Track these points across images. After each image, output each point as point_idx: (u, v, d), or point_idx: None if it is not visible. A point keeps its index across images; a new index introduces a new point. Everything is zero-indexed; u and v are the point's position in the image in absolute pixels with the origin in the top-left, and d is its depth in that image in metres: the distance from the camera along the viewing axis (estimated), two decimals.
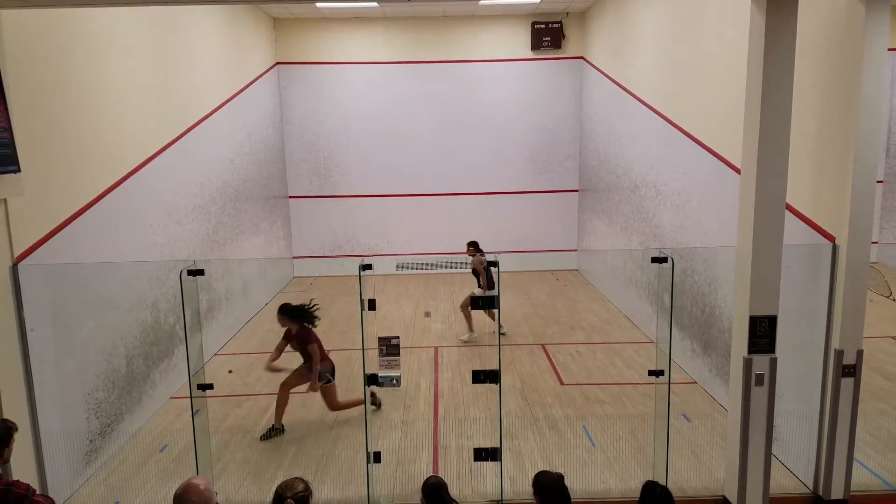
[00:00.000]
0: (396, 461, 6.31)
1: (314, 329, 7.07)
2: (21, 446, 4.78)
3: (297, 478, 3.37)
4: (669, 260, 5.27)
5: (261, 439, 6.83)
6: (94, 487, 5.99)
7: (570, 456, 6.34)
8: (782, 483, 5.71)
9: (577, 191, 14.65)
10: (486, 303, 5.82)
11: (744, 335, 5.18)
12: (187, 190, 8.96)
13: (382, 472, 6.02)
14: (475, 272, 9.66)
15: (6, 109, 4.86)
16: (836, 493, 5.39)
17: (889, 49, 5.08)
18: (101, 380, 6.43)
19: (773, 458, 5.43)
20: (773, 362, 5.17)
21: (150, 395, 7.46)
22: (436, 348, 9.66)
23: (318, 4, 12.35)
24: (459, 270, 14.39)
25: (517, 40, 14.12)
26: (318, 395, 7.24)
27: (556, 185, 14.69)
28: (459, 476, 5.99)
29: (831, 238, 5.33)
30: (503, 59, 14.21)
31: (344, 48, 14.03)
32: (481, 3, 12.66)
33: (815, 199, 5.60)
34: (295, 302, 7.14)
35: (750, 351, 5.16)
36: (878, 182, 5.25)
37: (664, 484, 3.93)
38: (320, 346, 6.98)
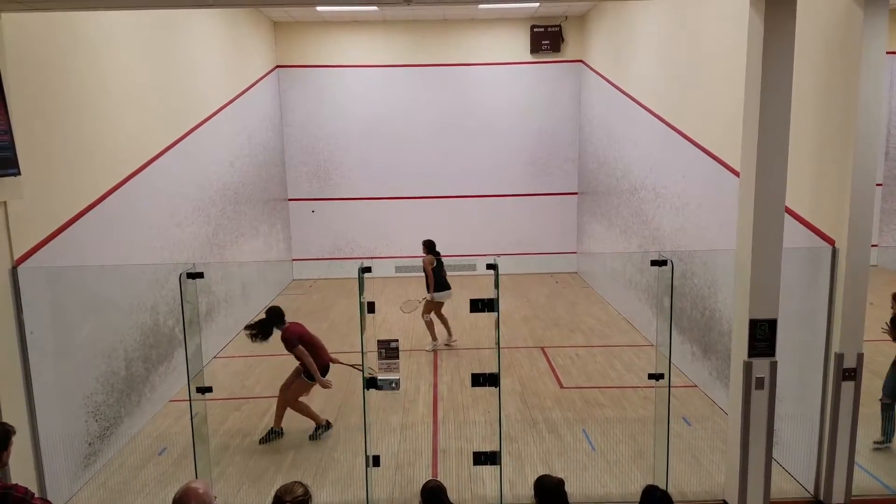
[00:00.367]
0: (395, 465, 6.30)
1: (293, 328, 6.82)
2: (20, 449, 4.77)
3: (296, 482, 3.36)
4: (669, 263, 5.26)
5: (259, 442, 6.82)
6: (93, 491, 5.97)
7: (569, 460, 6.33)
8: (783, 487, 5.70)
9: (576, 193, 14.66)
10: (486, 305, 5.79)
11: (744, 338, 5.18)
12: (187, 192, 8.96)
13: (381, 476, 6.01)
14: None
15: (6, 112, 4.85)
16: (837, 496, 5.37)
17: (887, 52, 5.08)
18: (100, 382, 6.42)
19: (773, 462, 5.42)
20: (774, 366, 5.16)
21: (150, 398, 7.45)
22: (435, 351, 9.64)
23: (319, 8, 12.38)
24: (460, 273, 14.38)
25: (516, 44, 14.14)
26: (317, 392, 7.23)
27: (555, 187, 14.70)
28: (459, 480, 5.98)
29: (831, 241, 5.33)
30: (502, 63, 14.23)
31: (344, 51, 14.05)
32: (480, 6, 12.67)
33: (814, 202, 5.60)
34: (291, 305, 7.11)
35: (750, 354, 5.16)
36: (877, 185, 5.25)
37: (664, 488, 3.93)
38: (313, 345, 6.87)
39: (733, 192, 5.91)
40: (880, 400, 6.17)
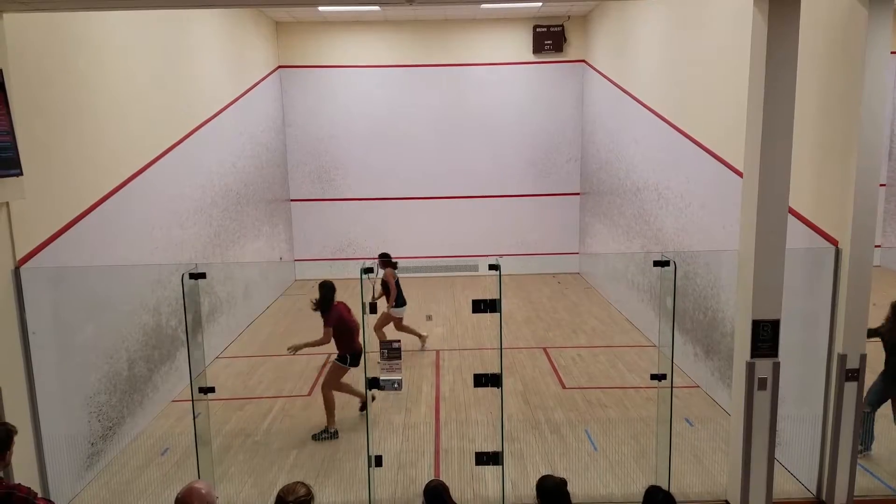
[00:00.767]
0: (398, 465, 6.30)
1: (337, 307, 7.11)
2: (22, 449, 4.78)
3: (298, 482, 3.37)
4: (671, 263, 5.26)
5: (312, 438, 6.87)
6: (96, 491, 5.98)
7: (572, 460, 6.32)
8: (785, 487, 5.69)
9: (578, 194, 14.64)
10: (488, 306, 5.79)
11: (746, 339, 5.17)
12: (189, 193, 8.97)
13: (384, 476, 6.01)
14: (385, 286, 9.09)
15: (8, 113, 4.86)
16: (840, 497, 5.36)
17: (891, 52, 5.07)
18: (102, 383, 6.43)
19: (776, 463, 5.41)
20: (776, 366, 5.15)
21: (152, 399, 7.45)
22: (437, 352, 9.64)
23: (321, 8, 12.38)
24: (461, 274, 14.40)
25: (519, 44, 14.13)
26: (318, 400, 7.24)
27: (557, 188, 14.69)
28: (461, 480, 5.98)
29: (834, 241, 5.32)
30: (505, 63, 14.22)
31: (346, 51, 14.06)
32: (483, 6, 12.67)
33: (817, 202, 5.59)
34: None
35: (753, 355, 5.15)
36: (880, 185, 5.24)
37: (667, 488, 3.92)
38: (349, 329, 7.06)
39: (736, 192, 5.91)
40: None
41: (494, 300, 5.07)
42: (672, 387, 5.41)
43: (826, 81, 5.41)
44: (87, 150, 6.35)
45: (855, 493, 5.40)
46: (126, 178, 7.11)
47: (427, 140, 14.43)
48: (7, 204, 5.09)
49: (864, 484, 5.61)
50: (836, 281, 5.28)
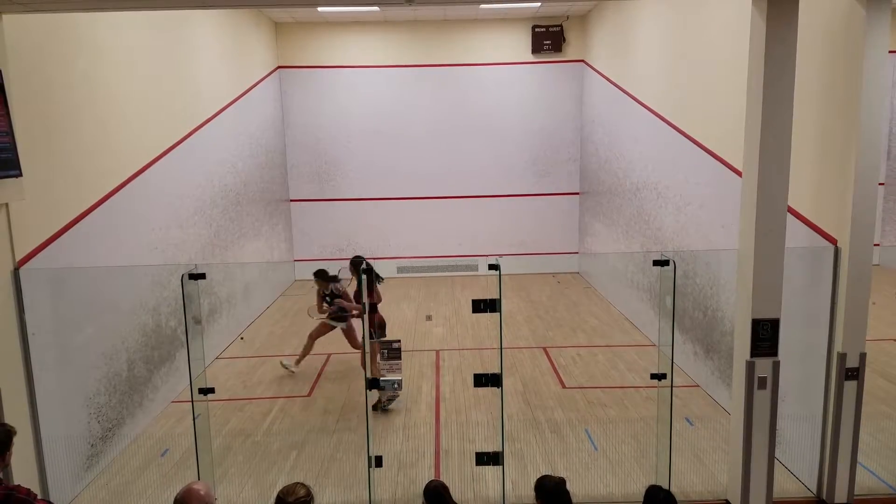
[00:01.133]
0: (398, 465, 6.30)
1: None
2: (22, 450, 4.78)
3: (298, 483, 3.36)
4: (671, 263, 5.26)
5: (372, 408, 7.09)
6: (96, 492, 5.98)
7: (572, 460, 6.32)
8: (786, 487, 5.69)
9: (577, 193, 14.65)
10: (488, 306, 5.78)
11: (746, 338, 5.17)
12: (189, 193, 8.97)
13: (384, 477, 6.01)
14: (329, 299, 8.45)
15: (8, 113, 4.86)
16: (840, 496, 5.36)
17: (890, 51, 5.07)
18: (102, 384, 6.43)
19: (776, 462, 5.41)
20: (776, 365, 5.15)
21: (152, 399, 7.45)
22: (437, 352, 9.64)
23: (320, 9, 12.38)
24: (461, 273, 14.40)
25: (518, 44, 14.13)
26: (318, 392, 7.23)
27: (556, 187, 14.69)
28: (461, 480, 5.97)
29: (833, 240, 5.32)
30: (504, 63, 14.22)
31: (345, 52, 14.06)
32: (482, 6, 12.67)
33: (816, 201, 5.59)
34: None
35: (752, 354, 5.15)
36: (879, 184, 5.24)
37: (667, 488, 3.92)
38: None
39: (735, 191, 5.91)
40: None
41: (494, 300, 5.07)
42: (672, 386, 5.41)
43: (825, 80, 5.41)
44: (86, 151, 6.34)
45: (855, 492, 5.40)
46: (126, 178, 7.11)
47: (426, 140, 14.43)
48: (6, 205, 5.08)
49: (865, 483, 5.61)
50: (835, 280, 5.28)
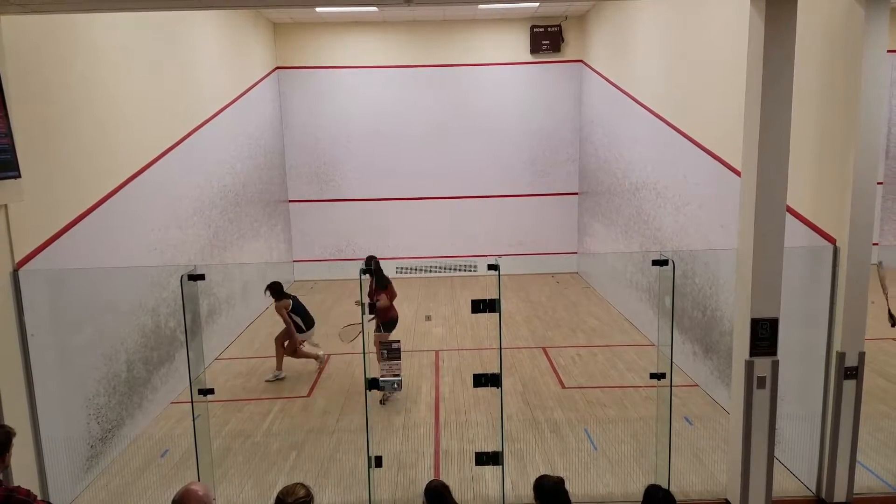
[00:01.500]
0: (398, 465, 6.30)
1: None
2: (22, 452, 4.77)
3: (298, 483, 3.36)
4: (670, 262, 5.26)
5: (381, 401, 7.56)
6: (95, 493, 5.98)
7: (571, 459, 6.33)
8: (785, 486, 5.70)
9: (576, 193, 14.65)
10: (488, 306, 5.78)
11: (745, 338, 5.17)
12: (188, 194, 8.96)
13: (383, 477, 6.01)
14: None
15: (6, 115, 4.86)
16: (839, 495, 5.37)
17: (889, 51, 5.07)
18: (101, 385, 6.42)
19: (775, 461, 5.41)
20: (775, 365, 5.16)
21: (151, 400, 7.45)
22: (437, 352, 9.64)
23: (318, 9, 12.38)
24: (461, 274, 14.39)
25: (516, 44, 14.14)
26: (317, 392, 7.22)
27: (555, 187, 14.70)
28: (461, 480, 5.97)
29: (832, 240, 5.33)
30: (502, 63, 14.23)
31: (344, 52, 14.06)
32: (480, 6, 12.67)
33: (815, 201, 5.59)
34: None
35: (751, 353, 5.15)
36: (878, 183, 5.25)
37: (666, 487, 3.92)
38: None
39: (734, 191, 5.91)
40: None
41: (494, 300, 5.07)
42: (671, 386, 5.42)
43: (823, 80, 5.42)
44: (85, 152, 6.34)
45: (854, 491, 5.41)
46: (124, 179, 7.11)
47: (425, 140, 14.43)
48: (5, 206, 5.08)
49: (864, 482, 5.61)
50: (834, 279, 5.29)
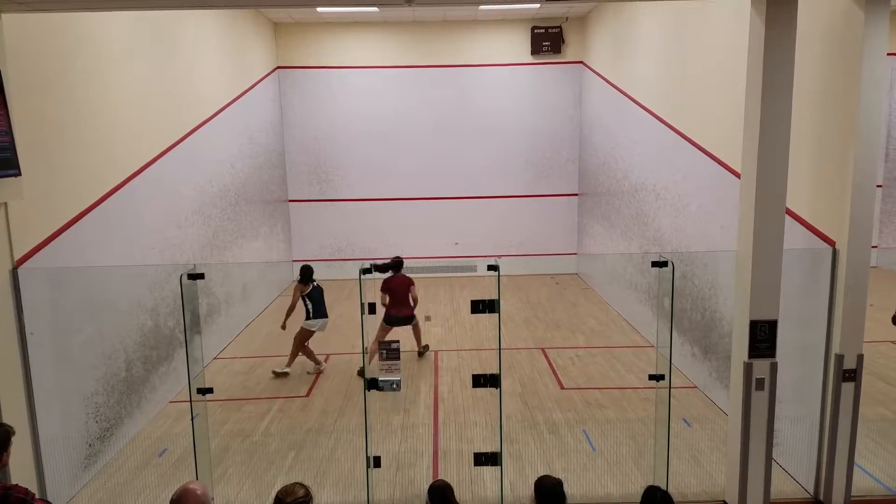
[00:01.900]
0: (396, 466, 6.30)
1: (398, 278, 8.83)
2: (20, 450, 4.77)
3: (297, 483, 3.36)
4: (669, 264, 5.27)
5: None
6: (94, 491, 5.97)
7: (570, 460, 6.33)
8: (783, 488, 5.70)
9: (576, 195, 14.66)
10: (487, 307, 5.79)
11: (744, 339, 5.18)
12: (188, 194, 8.96)
13: (382, 477, 6.01)
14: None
15: (7, 113, 4.86)
16: (837, 497, 5.37)
17: (888, 53, 5.08)
18: (100, 384, 6.42)
19: (773, 463, 5.42)
20: (774, 367, 5.16)
21: (150, 399, 7.44)
22: (436, 352, 9.65)
23: (319, 9, 12.39)
24: (460, 275, 14.39)
25: (517, 45, 14.15)
26: (317, 391, 7.22)
27: (555, 188, 14.70)
28: (460, 481, 5.97)
29: (831, 242, 5.33)
30: (503, 64, 14.24)
31: (344, 52, 14.06)
32: (481, 7, 12.68)
33: (814, 203, 5.60)
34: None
35: (750, 355, 5.16)
36: (877, 186, 5.25)
37: (664, 489, 3.93)
38: (395, 297, 8.81)
39: (734, 193, 5.92)
40: None
41: (493, 301, 5.08)
42: (670, 387, 5.42)
43: (823, 83, 5.42)
44: (85, 151, 6.34)
45: (852, 494, 5.41)
46: (124, 178, 7.11)
47: (425, 141, 14.43)
48: (5, 204, 5.09)
49: (862, 484, 5.62)
50: (833, 281, 5.29)
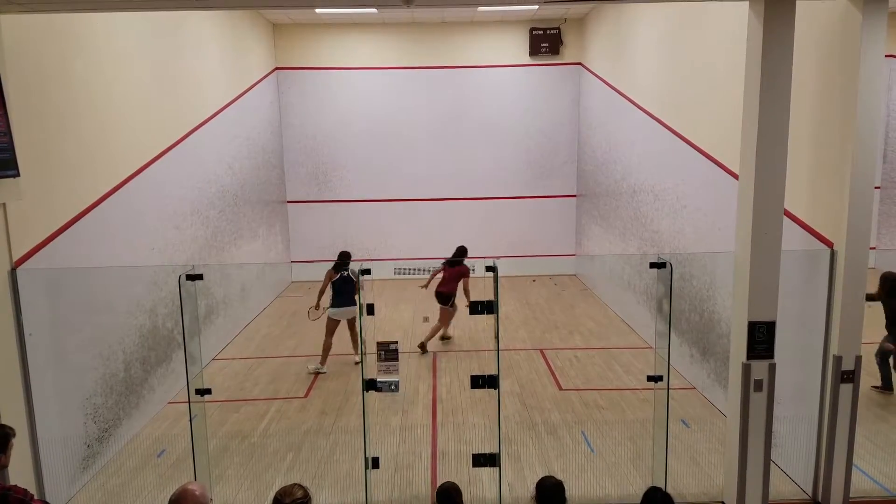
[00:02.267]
0: (395, 467, 6.30)
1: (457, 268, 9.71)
2: (19, 451, 4.76)
3: (295, 484, 3.35)
4: (668, 265, 5.27)
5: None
6: (92, 493, 5.97)
7: (568, 461, 6.33)
8: (781, 489, 5.71)
9: (575, 196, 14.67)
10: (485, 308, 5.80)
11: (742, 340, 5.19)
12: (186, 195, 8.96)
13: (380, 478, 6.01)
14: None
15: (6, 114, 4.86)
16: (836, 498, 5.38)
17: (886, 55, 5.10)
18: (98, 385, 6.41)
19: (772, 464, 5.43)
20: (772, 368, 5.17)
21: (148, 400, 7.44)
22: (434, 353, 9.65)
23: (318, 10, 12.40)
24: None
25: (515, 46, 14.16)
26: (317, 391, 7.21)
27: (554, 189, 14.71)
28: (458, 482, 5.94)
29: (829, 243, 5.34)
30: (501, 65, 14.25)
31: (343, 54, 14.06)
32: (480, 8, 12.69)
33: (813, 204, 5.61)
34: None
35: (749, 356, 5.17)
36: (875, 188, 5.26)
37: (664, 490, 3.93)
38: (444, 278, 9.74)
39: (732, 194, 5.93)
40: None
41: (491, 301, 5.08)
42: (668, 388, 5.42)
43: (821, 84, 5.44)
44: (84, 152, 6.34)
45: (850, 495, 5.42)
46: (123, 179, 7.10)
47: (424, 142, 14.44)
48: (4, 205, 5.08)
49: (860, 485, 5.63)
50: (831, 283, 5.30)
